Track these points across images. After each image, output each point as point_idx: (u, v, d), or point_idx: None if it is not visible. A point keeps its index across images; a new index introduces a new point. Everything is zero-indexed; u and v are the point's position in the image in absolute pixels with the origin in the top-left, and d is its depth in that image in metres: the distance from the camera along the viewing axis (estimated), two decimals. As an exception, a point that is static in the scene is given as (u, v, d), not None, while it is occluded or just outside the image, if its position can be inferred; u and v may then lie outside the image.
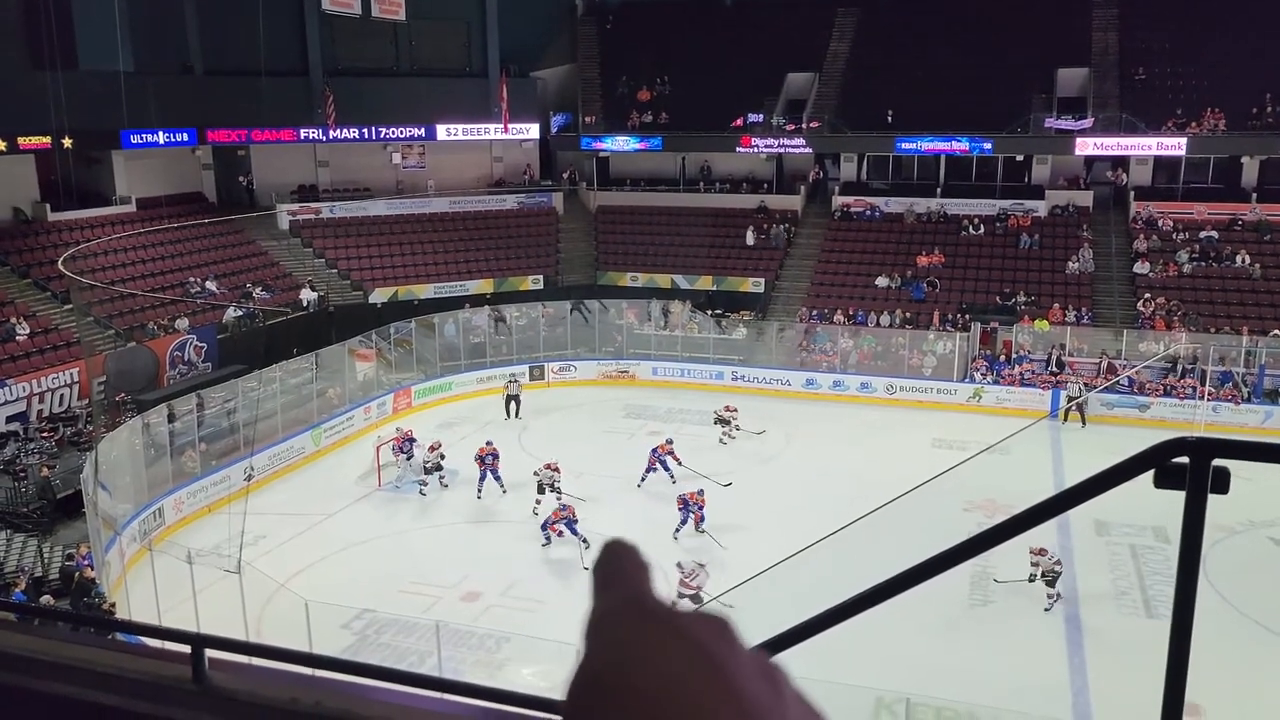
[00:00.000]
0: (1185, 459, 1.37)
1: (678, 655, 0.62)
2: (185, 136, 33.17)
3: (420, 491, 21.58)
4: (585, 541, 18.33)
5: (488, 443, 21.76)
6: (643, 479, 21.68)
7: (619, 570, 0.72)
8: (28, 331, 25.22)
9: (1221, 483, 1.38)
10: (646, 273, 34.95)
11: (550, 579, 17.77)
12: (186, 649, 1.74)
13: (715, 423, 24.78)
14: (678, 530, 18.98)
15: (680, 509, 19.15)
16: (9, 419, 22.64)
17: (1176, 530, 1.46)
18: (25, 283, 27.53)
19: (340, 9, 32.62)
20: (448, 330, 30.00)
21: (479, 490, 21.24)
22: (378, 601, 16.31)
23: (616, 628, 0.65)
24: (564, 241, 37.04)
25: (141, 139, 31.42)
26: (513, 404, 26.74)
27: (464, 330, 30.28)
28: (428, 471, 21.69)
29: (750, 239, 35.01)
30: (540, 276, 35.16)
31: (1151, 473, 1.42)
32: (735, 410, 24.95)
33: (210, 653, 1.74)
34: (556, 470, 20.23)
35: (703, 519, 19.02)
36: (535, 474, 20.24)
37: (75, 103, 26.44)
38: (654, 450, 21.97)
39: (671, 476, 21.57)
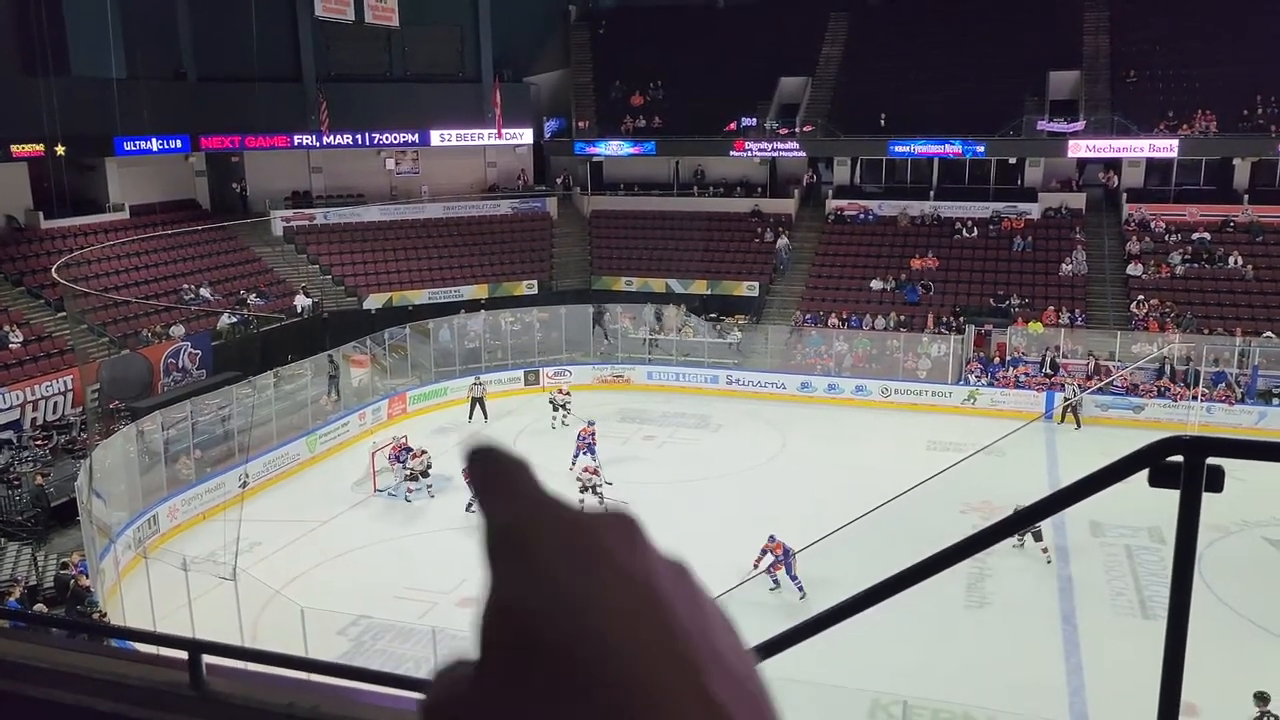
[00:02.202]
0: (1179, 457, 1.38)
1: (609, 586, 0.55)
2: (179, 143, 33.13)
3: (406, 498, 21.53)
4: None
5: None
6: (573, 462, 22.17)
7: (502, 472, 0.61)
8: (21, 339, 25.15)
9: (1215, 481, 1.39)
10: (641, 277, 34.95)
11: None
12: (184, 655, 1.74)
13: (554, 409, 25.35)
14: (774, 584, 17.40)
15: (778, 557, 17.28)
16: (2, 427, 22.56)
17: (1172, 531, 1.47)
18: (19, 290, 27.46)
19: (333, 15, 32.60)
20: (442, 336, 29.97)
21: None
22: (373, 607, 16.27)
23: (529, 546, 0.57)
24: (558, 246, 37.05)
25: (135, 146, 31.35)
26: (478, 406, 26.76)
27: (459, 335, 30.26)
28: (410, 478, 21.61)
29: (781, 245, 34.55)
30: (535, 281, 35.16)
31: (1146, 472, 1.43)
32: (569, 394, 25.64)
33: (208, 658, 1.74)
34: (596, 473, 20.25)
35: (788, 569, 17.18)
36: (577, 479, 20.14)
37: (68, 109, 26.40)
38: (580, 435, 22.80)
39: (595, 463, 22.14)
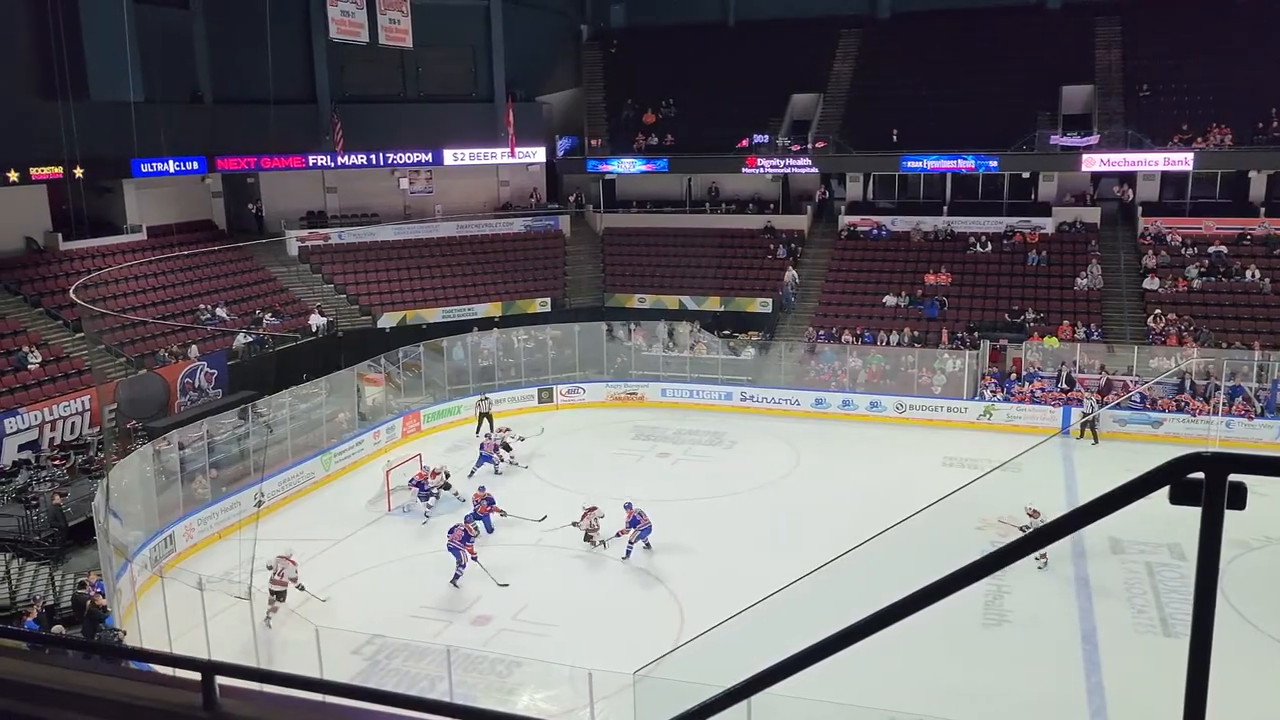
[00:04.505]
0: (1201, 474, 1.36)
1: None
2: (195, 165, 33.44)
3: (425, 517, 21.58)
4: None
5: (480, 487, 21.57)
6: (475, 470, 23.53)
7: None
8: (40, 360, 25.34)
9: (1238, 498, 1.37)
10: (654, 294, 35.01)
11: (561, 603, 17.69)
12: (197, 676, 1.73)
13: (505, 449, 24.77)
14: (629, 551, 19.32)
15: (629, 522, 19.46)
16: (21, 447, 22.70)
17: (1192, 547, 1.45)
18: (37, 312, 27.69)
19: (348, 37, 32.91)
20: (456, 354, 30.06)
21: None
22: (388, 626, 16.25)
23: None
24: (571, 264, 37.16)
25: (152, 168, 31.67)
26: (484, 421, 27.05)
27: (472, 354, 30.35)
28: (430, 494, 21.75)
29: (788, 278, 34.15)
30: (548, 299, 35.26)
31: (1167, 489, 1.41)
32: (507, 429, 25.44)
33: (221, 679, 1.74)
34: (599, 519, 19.90)
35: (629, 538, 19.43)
36: (583, 526, 19.84)
37: (87, 133, 26.66)
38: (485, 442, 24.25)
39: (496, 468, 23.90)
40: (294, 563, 17.28)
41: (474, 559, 18.48)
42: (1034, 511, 17.96)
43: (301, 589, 17.18)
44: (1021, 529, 17.84)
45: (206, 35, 34.15)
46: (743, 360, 30.92)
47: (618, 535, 19.53)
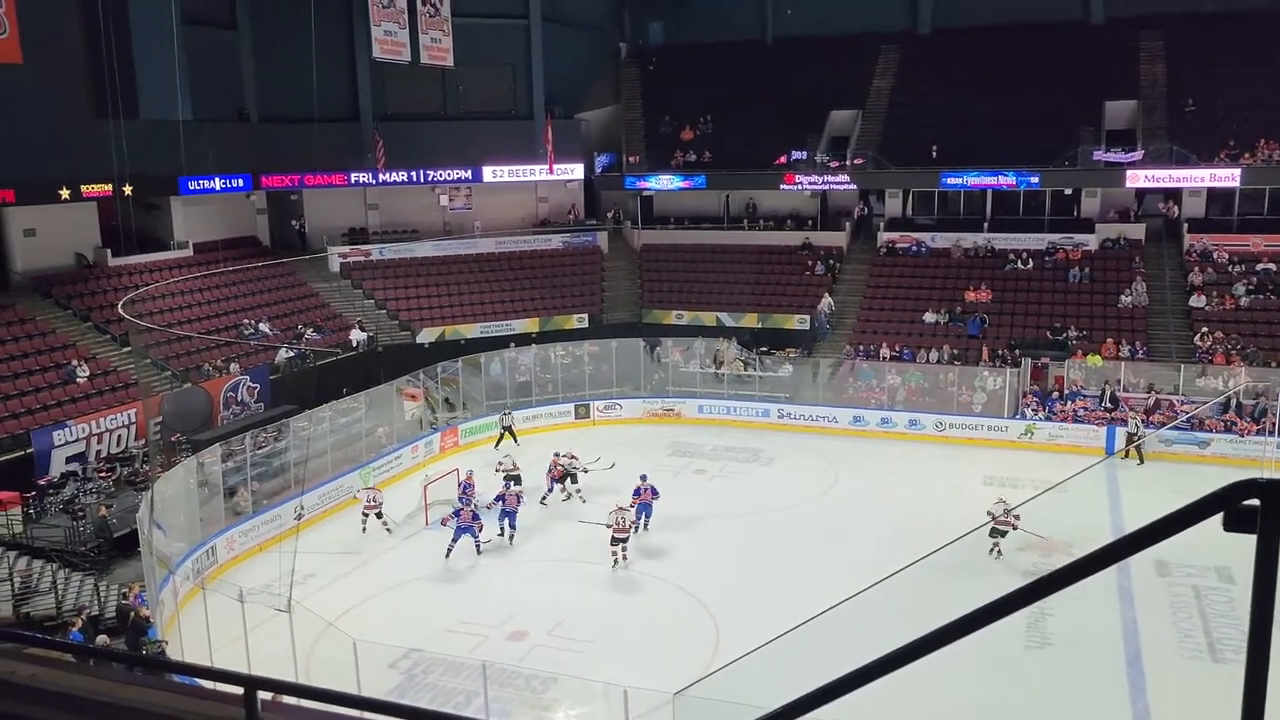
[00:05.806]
0: (1256, 501, 1.33)
1: None
2: (240, 182, 34.05)
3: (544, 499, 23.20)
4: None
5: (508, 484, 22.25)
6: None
7: None
8: (88, 373, 25.86)
9: (1295, 525, 1.33)
10: (691, 310, 34.99)
11: (597, 618, 17.66)
12: (239, 690, 1.75)
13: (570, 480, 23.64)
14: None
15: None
16: (69, 459, 23.13)
17: (1240, 571, 1.42)
18: (86, 326, 28.28)
19: (390, 57, 33.41)
20: (493, 369, 30.22)
21: (504, 532, 21.18)
22: (424, 640, 16.31)
23: None
24: (609, 280, 37.26)
25: (199, 185, 32.28)
26: (507, 434, 27.35)
27: (510, 369, 30.49)
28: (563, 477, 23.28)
29: (823, 305, 33.67)
30: (585, 315, 35.37)
31: (1219, 514, 1.37)
32: (575, 457, 23.99)
33: (263, 694, 1.75)
34: (629, 528, 19.86)
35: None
36: (613, 532, 19.68)
37: (136, 151, 27.25)
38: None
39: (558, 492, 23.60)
40: (379, 491, 21.93)
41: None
42: (999, 504, 19.21)
43: (380, 515, 21.59)
44: (988, 513, 18.96)
45: (253, 55, 34.84)
46: (780, 377, 30.75)
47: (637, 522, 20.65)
